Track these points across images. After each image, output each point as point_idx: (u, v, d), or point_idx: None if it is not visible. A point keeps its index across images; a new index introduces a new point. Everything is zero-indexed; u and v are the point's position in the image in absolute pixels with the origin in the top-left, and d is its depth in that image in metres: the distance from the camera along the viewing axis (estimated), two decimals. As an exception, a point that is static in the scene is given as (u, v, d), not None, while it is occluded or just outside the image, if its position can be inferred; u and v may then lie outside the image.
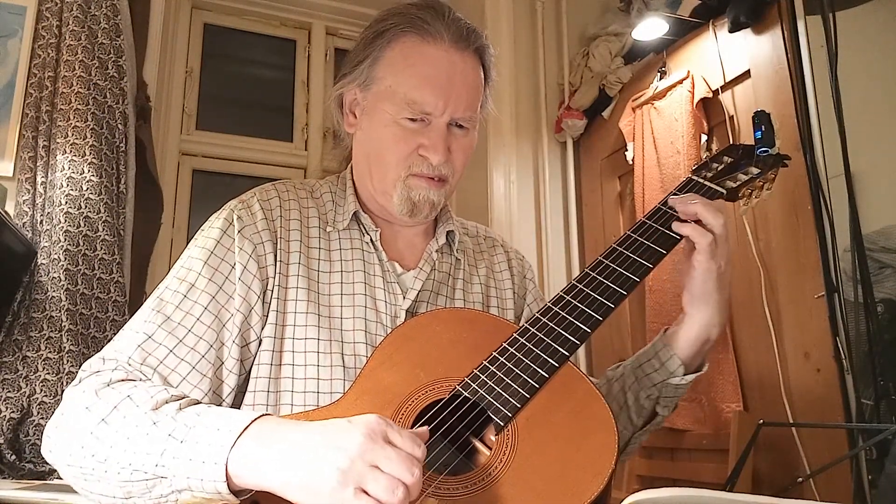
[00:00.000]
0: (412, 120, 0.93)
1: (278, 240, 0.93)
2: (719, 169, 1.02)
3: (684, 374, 0.95)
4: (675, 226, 0.91)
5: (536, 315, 0.86)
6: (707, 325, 0.93)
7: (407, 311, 0.96)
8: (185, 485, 0.68)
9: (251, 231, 0.92)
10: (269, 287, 0.91)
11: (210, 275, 0.88)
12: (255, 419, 0.69)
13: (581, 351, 2.45)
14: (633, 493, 0.67)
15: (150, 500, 0.71)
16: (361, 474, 0.62)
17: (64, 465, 0.75)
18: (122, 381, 0.78)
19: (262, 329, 0.89)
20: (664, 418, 1.00)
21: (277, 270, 0.91)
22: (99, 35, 2.21)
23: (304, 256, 0.94)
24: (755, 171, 1.02)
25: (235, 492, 0.67)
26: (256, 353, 0.89)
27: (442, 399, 0.79)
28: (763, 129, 1.05)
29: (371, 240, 0.99)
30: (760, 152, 1.03)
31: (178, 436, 0.69)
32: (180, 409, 0.73)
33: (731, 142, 1.89)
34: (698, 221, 0.91)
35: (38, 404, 1.88)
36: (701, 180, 0.99)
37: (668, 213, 0.94)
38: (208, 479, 0.67)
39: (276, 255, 0.92)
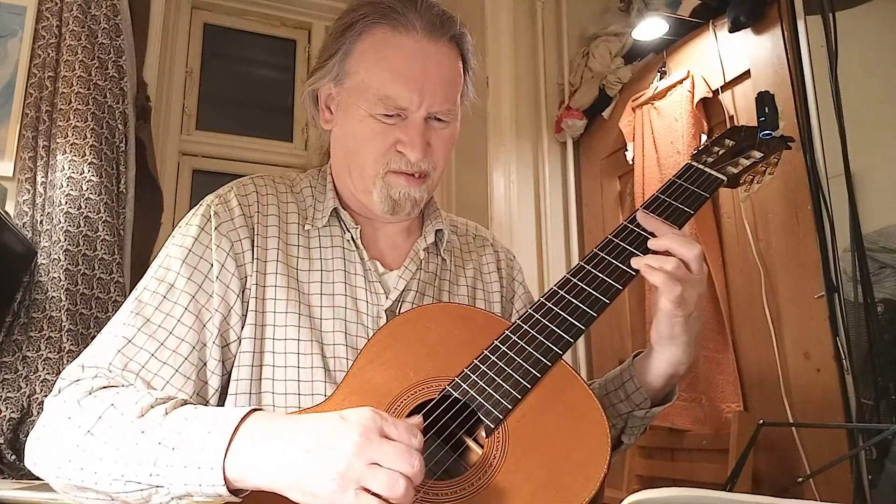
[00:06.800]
0: (388, 115, 0.89)
1: (255, 236, 0.90)
2: (720, 153, 0.99)
3: (651, 407, 0.92)
4: (636, 263, 0.85)
5: (529, 311, 0.83)
6: (674, 363, 0.89)
7: (388, 310, 0.93)
8: (183, 491, 0.67)
9: (228, 228, 0.89)
10: (248, 285, 0.88)
11: (189, 274, 0.85)
12: (245, 417, 0.68)
13: (581, 350, 2.45)
14: (633, 493, 0.66)
15: None
16: (360, 474, 0.61)
17: (52, 476, 0.74)
18: (104, 388, 0.76)
19: (242, 329, 0.87)
20: (629, 446, 0.97)
21: (255, 269, 0.89)
22: (99, 35, 2.21)
23: (283, 254, 0.91)
24: (758, 154, 0.99)
25: (235, 491, 0.67)
26: (237, 354, 0.86)
27: (432, 399, 0.77)
28: (766, 111, 1.02)
29: (352, 237, 0.96)
30: (763, 135, 1.01)
31: (169, 443, 0.68)
32: (166, 413, 0.71)
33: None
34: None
35: (38, 404, 1.88)
36: (701, 166, 0.96)
37: (671, 205, 0.91)
38: (207, 484, 0.66)
39: (253, 253, 0.89)
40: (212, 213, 0.91)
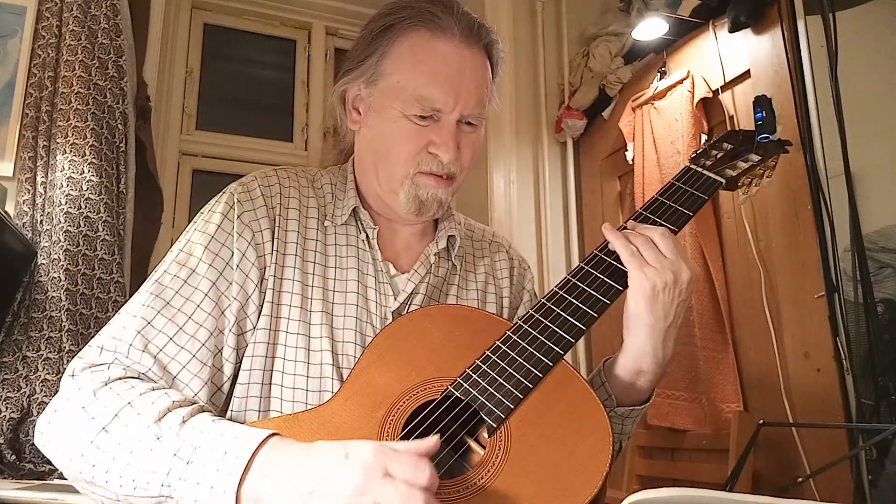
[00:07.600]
0: (422, 117, 0.91)
1: (276, 228, 0.92)
2: (718, 157, 1.00)
3: (616, 406, 0.89)
4: (609, 234, 0.88)
5: (530, 311, 0.84)
6: (637, 353, 0.85)
7: (395, 312, 0.94)
8: None
9: (250, 217, 0.90)
10: (266, 276, 0.89)
11: (211, 260, 0.86)
12: (262, 443, 0.68)
13: (581, 350, 2.45)
14: (633, 493, 0.65)
15: None
16: None
17: (63, 466, 0.75)
18: (120, 379, 0.77)
19: (258, 319, 0.88)
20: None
21: (274, 260, 0.90)
22: (99, 35, 2.21)
23: (301, 248, 0.92)
24: (756, 157, 1.00)
25: None
26: (250, 345, 0.87)
27: (434, 400, 0.77)
28: (764, 114, 1.03)
29: (367, 237, 0.97)
30: (761, 138, 1.02)
31: (184, 456, 0.68)
32: (183, 421, 0.71)
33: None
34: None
35: (38, 404, 1.88)
36: (699, 169, 0.97)
37: (670, 207, 0.92)
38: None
39: (273, 244, 0.90)
40: (235, 200, 0.92)
